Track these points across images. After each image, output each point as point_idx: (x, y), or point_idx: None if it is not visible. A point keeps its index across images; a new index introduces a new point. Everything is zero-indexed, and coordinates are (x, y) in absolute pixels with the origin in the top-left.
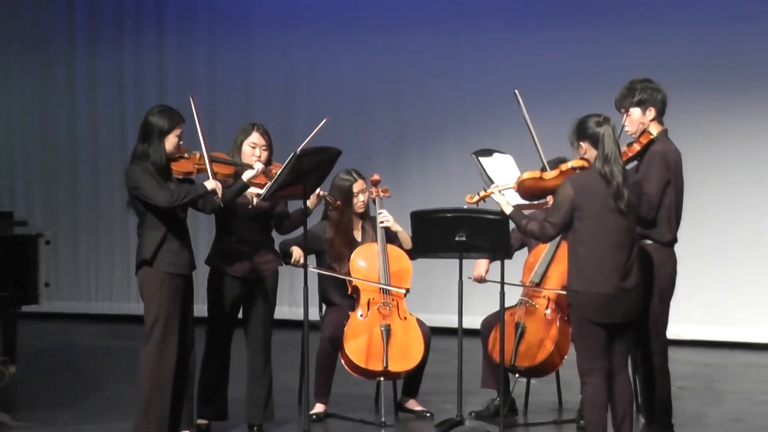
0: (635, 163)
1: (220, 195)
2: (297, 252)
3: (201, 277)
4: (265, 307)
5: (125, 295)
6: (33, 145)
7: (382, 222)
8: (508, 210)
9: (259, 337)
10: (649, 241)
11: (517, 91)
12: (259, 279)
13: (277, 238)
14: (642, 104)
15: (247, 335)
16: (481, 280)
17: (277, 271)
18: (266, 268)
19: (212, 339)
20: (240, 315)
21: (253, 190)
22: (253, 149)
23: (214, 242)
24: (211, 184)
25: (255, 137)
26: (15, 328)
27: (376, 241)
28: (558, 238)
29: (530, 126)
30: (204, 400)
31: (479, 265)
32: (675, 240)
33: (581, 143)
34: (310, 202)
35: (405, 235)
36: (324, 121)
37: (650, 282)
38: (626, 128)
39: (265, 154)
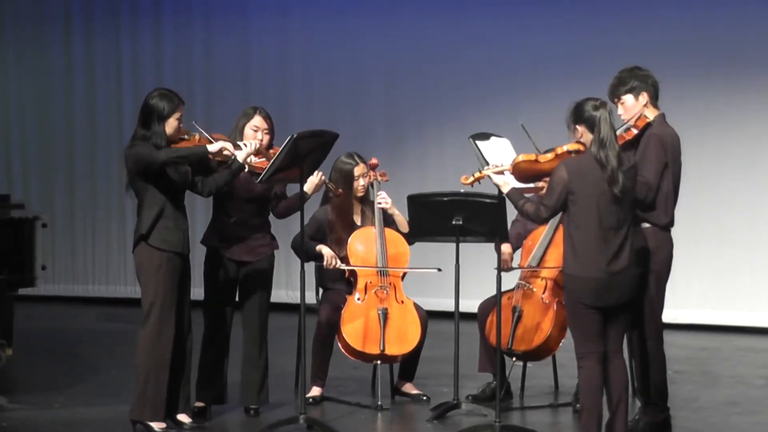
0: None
1: (231, 150)
2: (328, 253)
3: (198, 260)
4: (262, 290)
5: (121, 279)
6: (30, 129)
7: (380, 203)
8: (506, 189)
9: (255, 321)
10: (646, 225)
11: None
12: (255, 262)
13: (275, 222)
14: (634, 91)
15: (243, 319)
16: (507, 269)
17: (273, 254)
18: (263, 252)
19: (210, 322)
20: (237, 298)
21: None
22: (255, 132)
23: (210, 223)
24: (216, 145)
25: (257, 120)
26: (11, 311)
27: (374, 224)
28: (556, 221)
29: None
30: (202, 384)
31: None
32: (672, 223)
33: (577, 127)
34: (310, 187)
35: (402, 219)
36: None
37: (646, 265)
38: (622, 117)
39: (267, 138)
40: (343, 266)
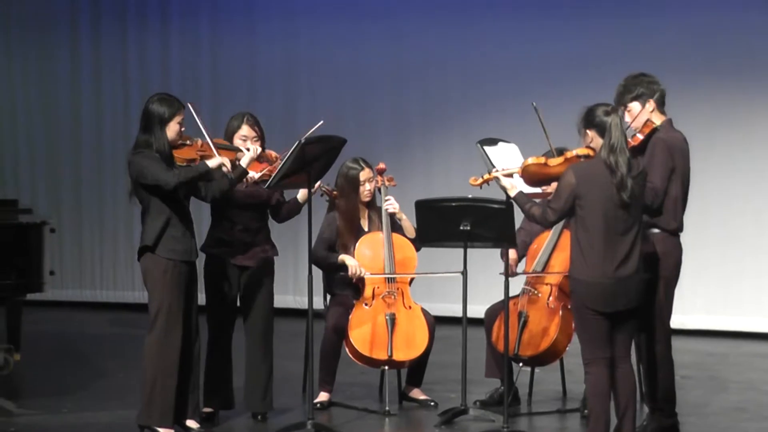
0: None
1: (228, 168)
2: (353, 264)
3: (199, 265)
4: (264, 295)
5: (129, 284)
6: (37, 134)
7: (388, 208)
8: (512, 193)
9: (258, 326)
10: (655, 230)
11: (534, 104)
12: (256, 267)
13: (280, 227)
14: (640, 98)
15: (246, 324)
16: (512, 274)
17: (273, 259)
18: (263, 257)
19: (213, 328)
20: (238, 303)
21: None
22: (243, 142)
23: (210, 230)
24: (215, 161)
25: (245, 130)
26: (20, 316)
27: (381, 230)
28: (561, 226)
29: (548, 137)
30: (210, 390)
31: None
32: (681, 228)
33: (588, 131)
34: (303, 197)
35: (408, 224)
36: (320, 123)
37: (655, 270)
38: (628, 123)
39: (257, 145)
40: (368, 274)
